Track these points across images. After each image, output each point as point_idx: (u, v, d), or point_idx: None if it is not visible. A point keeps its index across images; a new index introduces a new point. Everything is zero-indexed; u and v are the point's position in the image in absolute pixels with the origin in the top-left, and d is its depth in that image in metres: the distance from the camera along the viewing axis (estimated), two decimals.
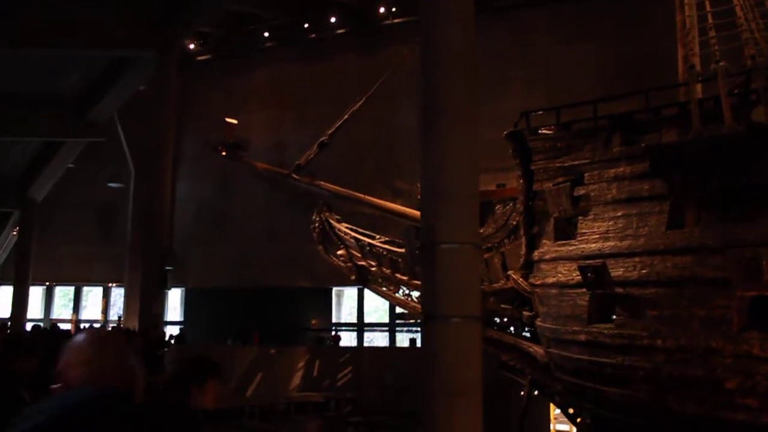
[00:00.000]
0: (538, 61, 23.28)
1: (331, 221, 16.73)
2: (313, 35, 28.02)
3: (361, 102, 18.86)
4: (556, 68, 22.67)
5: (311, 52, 27.99)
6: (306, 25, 27.93)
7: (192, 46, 29.38)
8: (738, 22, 9.20)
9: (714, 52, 8.98)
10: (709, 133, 8.35)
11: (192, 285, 29.61)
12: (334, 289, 28.16)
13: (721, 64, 8.86)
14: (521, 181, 10.70)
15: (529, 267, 10.59)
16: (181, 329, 28.43)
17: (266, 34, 28.87)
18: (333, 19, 27.34)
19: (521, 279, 10.65)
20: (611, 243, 9.19)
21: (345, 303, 29.07)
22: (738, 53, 9.07)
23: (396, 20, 26.17)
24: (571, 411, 11.21)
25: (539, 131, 10.56)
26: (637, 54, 20.80)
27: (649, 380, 8.67)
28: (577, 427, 11.31)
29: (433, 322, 6.47)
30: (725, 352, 7.93)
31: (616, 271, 8.98)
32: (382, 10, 26.44)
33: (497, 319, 12.14)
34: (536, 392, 11.91)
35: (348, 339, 27.42)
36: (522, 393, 12.19)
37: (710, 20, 9.27)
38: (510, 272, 10.99)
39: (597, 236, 9.42)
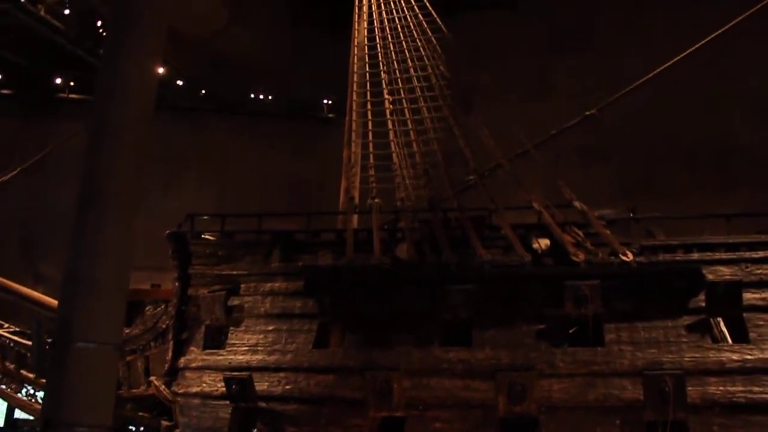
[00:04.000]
0: (215, 166, 23.52)
1: None
2: None
3: (13, 173, 16.95)
4: (231, 176, 23.12)
5: None
6: None
7: None
8: (393, 167, 10.37)
9: (372, 188, 9.95)
10: (359, 262, 9.08)
11: None
12: None
13: (376, 200, 9.86)
14: (177, 283, 10.40)
15: (173, 374, 10.13)
16: None
17: None
18: None
19: (163, 386, 10.13)
20: (259, 356, 9.23)
21: None
22: (392, 194, 10.14)
23: (72, 95, 24.67)
24: None
25: (202, 236, 10.49)
26: (306, 177, 22.23)
27: None
28: None
29: (55, 430, 5.72)
30: None
31: (261, 385, 9.00)
32: (58, 81, 24.78)
33: (133, 428, 11.34)
34: None
35: None
36: None
37: (371, 161, 10.31)
38: (152, 378, 10.42)
39: (246, 348, 9.41)
